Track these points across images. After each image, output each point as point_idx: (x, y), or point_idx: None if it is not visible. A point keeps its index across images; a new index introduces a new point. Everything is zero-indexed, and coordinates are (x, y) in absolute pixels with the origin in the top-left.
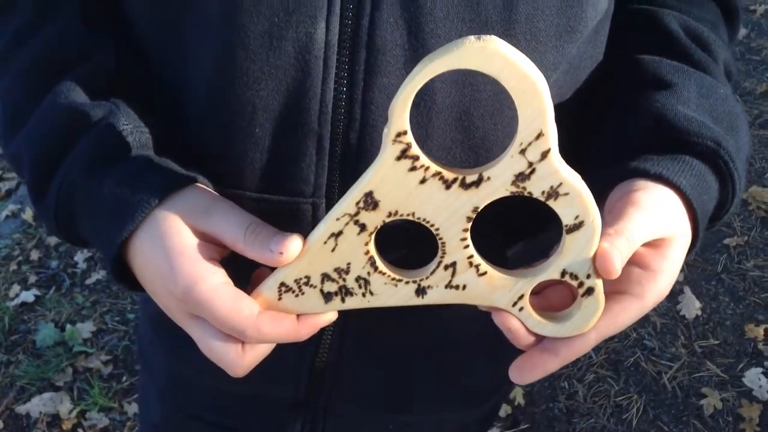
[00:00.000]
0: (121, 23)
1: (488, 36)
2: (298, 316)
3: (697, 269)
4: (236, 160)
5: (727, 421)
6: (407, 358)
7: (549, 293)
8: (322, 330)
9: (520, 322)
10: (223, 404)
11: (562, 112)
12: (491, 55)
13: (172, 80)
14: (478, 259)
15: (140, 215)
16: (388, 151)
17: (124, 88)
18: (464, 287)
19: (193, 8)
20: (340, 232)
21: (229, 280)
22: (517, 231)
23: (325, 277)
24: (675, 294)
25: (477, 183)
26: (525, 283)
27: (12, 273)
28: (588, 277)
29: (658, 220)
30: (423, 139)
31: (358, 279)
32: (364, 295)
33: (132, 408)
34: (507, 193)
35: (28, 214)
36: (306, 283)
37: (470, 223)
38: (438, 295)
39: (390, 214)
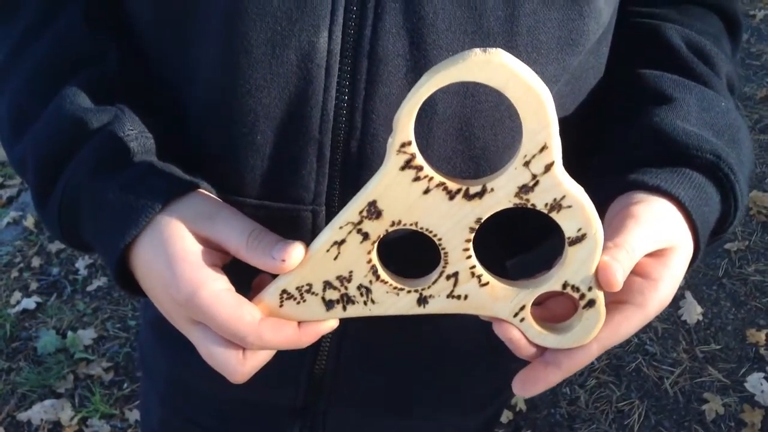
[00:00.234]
0: (124, 27)
1: (494, 49)
2: (299, 323)
3: (698, 274)
4: (237, 167)
5: (729, 426)
6: (406, 364)
7: (551, 304)
8: (322, 336)
9: (521, 333)
10: (222, 409)
11: (563, 123)
12: (497, 67)
13: (174, 86)
14: (480, 269)
15: (143, 220)
16: (392, 161)
17: (128, 92)
18: (466, 297)
19: (195, 15)
20: (342, 241)
21: (231, 287)
22: (517, 241)
23: (327, 284)
24: (676, 299)
25: (480, 194)
26: (526, 295)
27: (13, 280)
28: (589, 289)
29: (658, 231)
30: (424, 148)
31: (359, 287)
32: (365, 303)
33: (133, 415)
34: (510, 205)
35: (29, 221)
36: (308, 291)
37: (473, 234)
38: (439, 305)
39: (393, 224)
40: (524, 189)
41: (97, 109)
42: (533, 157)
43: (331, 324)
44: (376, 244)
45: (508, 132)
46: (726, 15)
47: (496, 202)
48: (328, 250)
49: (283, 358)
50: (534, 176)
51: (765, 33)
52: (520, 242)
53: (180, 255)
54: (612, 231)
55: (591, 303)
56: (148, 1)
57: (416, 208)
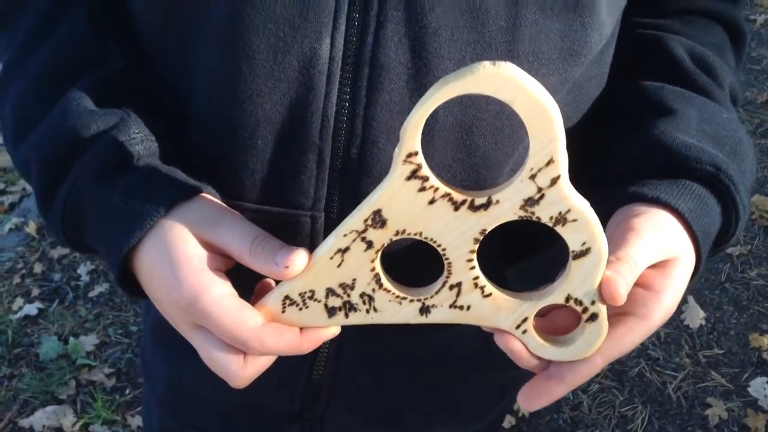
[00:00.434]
0: (128, 31)
1: (502, 62)
2: (301, 329)
3: (700, 279)
4: (237, 171)
5: (733, 431)
6: (404, 373)
7: (554, 315)
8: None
9: (522, 345)
10: (222, 413)
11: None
12: (505, 81)
13: (176, 89)
14: (483, 280)
15: (147, 224)
16: (398, 170)
17: (132, 95)
18: (468, 308)
19: (198, 20)
20: (346, 248)
21: (234, 292)
22: (516, 250)
23: (330, 292)
24: (679, 304)
25: (486, 206)
26: (529, 307)
27: (15, 286)
28: (592, 303)
29: (659, 243)
30: (424, 156)
31: (362, 295)
32: (368, 311)
33: (135, 421)
34: (515, 217)
35: (31, 228)
36: (310, 297)
37: (477, 245)
38: (442, 315)
39: (397, 233)
40: (530, 202)
41: (102, 111)
42: (539, 170)
43: (333, 331)
44: (379, 253)
45: (508, 141)
46: (730, 26)
47: (501, 214)
48: (331, 258)
49: (282, 363)
50: (540, 189)
51: (765, 37)
52: (519, 251)
53: (183, 259)
54: (614, 244)
55: (594, 317)
56: (150, 6)
57: (421, 218)
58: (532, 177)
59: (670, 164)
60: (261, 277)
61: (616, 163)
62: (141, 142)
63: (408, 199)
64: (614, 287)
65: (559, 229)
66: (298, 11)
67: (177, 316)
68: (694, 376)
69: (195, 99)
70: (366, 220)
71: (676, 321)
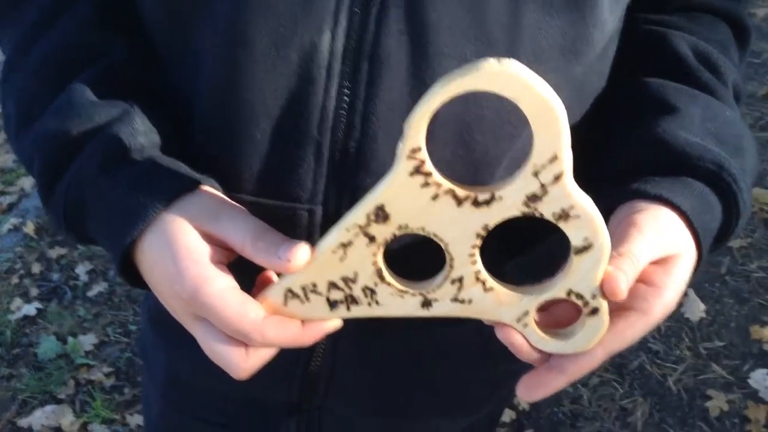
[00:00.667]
0: (132, 22)
1: (507, 59)
2: (302, 321)
3: (701, 271)
4: (235, 163)
5: (734, 422)
6: (401, 364)
7: (554, 309)
8: None
9: (524, 338)
10: (220, 404)
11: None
12: (510, 78)
13: (178, 81)
14: (485, 274)
15: (149, 216)
16: (402, 166)
17: (136, 87)
18: (470, 301)
19: (201, 11)
20: (349, 243)
21: (236, 284)
22: (514, 244)
23: (332, 285)
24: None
25: (489, 202)
26: (530, 300)
27: (14, 286)
28: (593, 297)
29: (661, 240)
30: None
31: (364, 289)
32: (369, 304)
33: (134, 420)
34: (518, 213)
35: (29, 228)
36: (312, 291)
37: (480, 241)
38: (444, 308)
39: (400, 228)
40: (533, 198)
41: (105, 103)
42: (543, 167)
43: (335, 324)
44: (382, 247)
45: (509, 137)
46: (735, 22)
47: (504, 210)
48: (334, 252)
49: (280, 355)
50: (543, 186)
51: (766, 31)
52: (518, 246)
53: (185, 251)
54: (616, 239)
55: (595, 311)
56: (158, 6)
57: (424, 213)
58: (536, 174)
59: (673, 162)
60: (262, 269)
61: (619, 160)
62: (144, 134)
63: (411, 194)
64: (615, 283)
65: (561, 224)
66: (300, 5)
67: (179, 308)
68: (695, 368)
69: (196, 91)
70: (369, 215)
71: (676, 314)
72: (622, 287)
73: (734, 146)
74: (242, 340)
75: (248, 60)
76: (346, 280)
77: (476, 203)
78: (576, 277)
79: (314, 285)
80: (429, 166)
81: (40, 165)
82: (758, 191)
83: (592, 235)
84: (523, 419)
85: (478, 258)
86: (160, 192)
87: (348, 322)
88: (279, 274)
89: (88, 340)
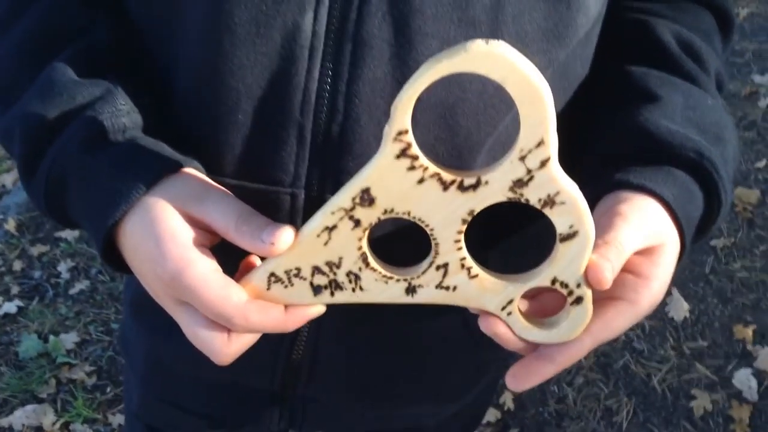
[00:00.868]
0: (114, 2)
1: (495, 41)
2: (286, 306)
3: (684, 271)
4: (217, 146)
5: (717, 422)
6: (383, 352)
7: (542, 297)
8: None
9: (507, 327)
10: (202, 392)
11: None
12: (497, 60)
13: (159, 61)
14: (470, 261)
15: (132, 198)
16: (388, 148)
17: (118, 66)
18: (455, 288)
19: None
20: (334, 226)
21: (219, 268)
22: (497, 232)
23: (316, 269)
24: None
25: (475, 186)
26: (515, 288)
27: None
28: (578, 286)
29: (646, 229)
30: None
31: (348, 274)
32: (353, 290)
33: (116, 419)
34: (504, 199)
35: (10, 225)
36: (296, 275)
37: (465, 226)
38: (428, 295)
39: (385, 212)
40: (519, 183)
41: (88, 82)
42: (529, 151)
43: (318, 309)
44: (367, 232)
45: (491, 121)
46: (718, 12)
47: (490, 195)
48: (318, 235)
49: (260, 343)
50: (529, 171)
51: (748, 30)
52: (501, 232)
53: (168, 234)
54: (601, 229)
55: (579, 300)
56: None
57: (410, 197)
58: (522, 158)
59: (654, 150)
60: (245, 253)
61: (601, 148)
62: (127, 114)
63: (397, 177)
64: (600, 271)
65: (546, 211)
66: None
67: (161, 291)
68: (679, 368)
69: (178, 73)
70: (354, 198)
71: (660, 313)
72: (607, 276)
73: (715, 134)
74: (224, 325)
75: (230, 40)
76: (330, 264)
77: (462, 187)
78: (561, 265)
79: (298, 269)
80: (415, 149)
81: (21, 145)
82: (741, 191)
83: (578, 222)
84: (509, 419)
85: (463, 244)
86: (143, 173)
87: (331, 309)
88: (263, 259)
89: (69, 339)
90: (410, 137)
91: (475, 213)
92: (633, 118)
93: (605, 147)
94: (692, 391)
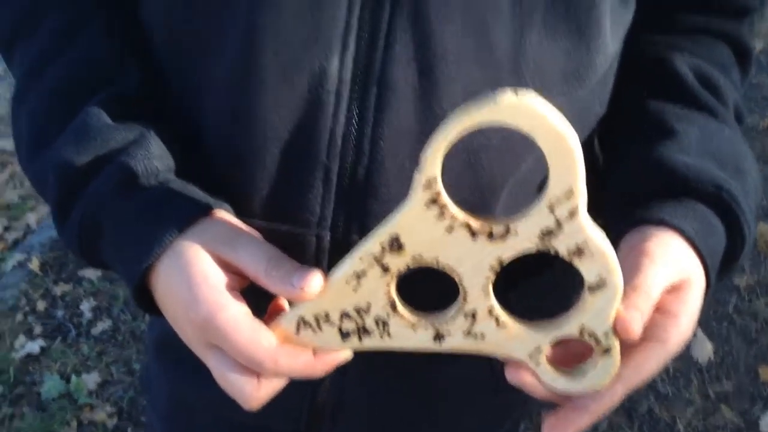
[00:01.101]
0: (144, 48)
1: (524, 91)
2: (314, 351)
3: (708, 310)
4: (244, 188)
5: None
6: (407, 397)
7: (570, 343)
8: None
9: (534, 377)
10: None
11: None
12: (527, 112)
13: (190, 106)
14: (498, 310)
15: (165, 242)
16: (418, 196)
17: (149, 111)
18: (482, 336)
19: (212, 41)
20: (363, 272)
21: (249, 311)
22: (518, 273)
23: (344, 315)
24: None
25: (503, 236)
26: (543, 337)
27: (18, 324)
28: (606, 336)
29: (672, 266)
30: None
31: (377, 320)
32: (381, 336)
33: None
34: (533, 248)
35: (34, 264)
36: (325, 320)
37: (493, 275)
38: (455, 342)
39: (414, 259)
40: (547, 233)
41: (122, 126)
42: (558, 202)
43: (347, 354)
44: (395, 278)
45: (514, 162)
46: (736, 45)
47: (519, 244)
48: (347, 281)
49: (288, 384)
50: (558, 221)
51: (765, 64)
52: (522, 272)
53: (200, 277)
54: (627, 271)
55: (607, 350)
56: (164, 22)
57: (438, 245)
58: (551, 208)
59: (672, 186)
60: (274, 296)
61: (619, 185)
62: (159, 158)
63: (426, 225)
64: (629, 324)
65: (575, 261)
66: (309, 31)
67: (192, 334)
68: (704, 411)
69: (206, 117)
70: (383, 245)
71: (684, 354)
72: (636, 328)
73: (734, 166)
74: (254, 369)
75: (258, 85)
76: (358, 310)
77: (491, 236)
78: (589, 315)
79: (327, 314)
80: (445, 198)
81: (55, 189)
82: (764, 227)
83: (606, 272)
84: None
85: (491, 292)
86: (176, 217)
87: (356, 354)
88: (291, 303)
89: (91, 379)
90: (440, 186)
91: (504, 262)
92: (649, 154)
93: (623, 184)
94: None
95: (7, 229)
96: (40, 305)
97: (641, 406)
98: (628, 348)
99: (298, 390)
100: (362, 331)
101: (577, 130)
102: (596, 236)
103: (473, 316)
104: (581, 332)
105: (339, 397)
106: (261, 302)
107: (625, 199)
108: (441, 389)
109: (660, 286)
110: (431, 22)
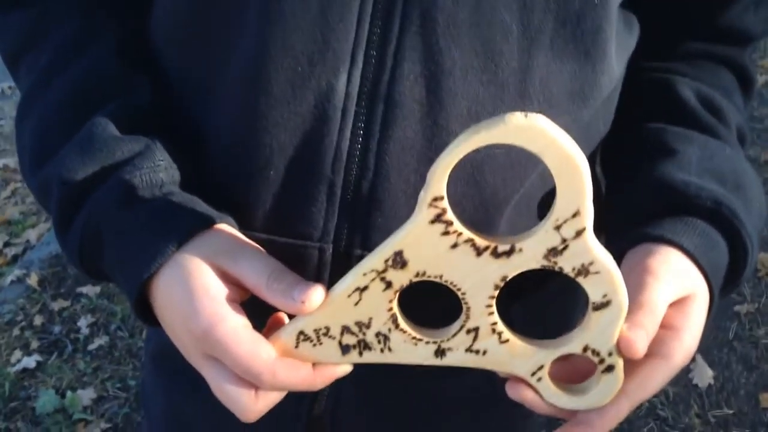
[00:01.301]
0: (151, 60)
1: (533, 113)
2: (313, 364)
3: (708, 337)
4: (248, 201)
5: None
6: (404, 410)
7: (572, 360)
8: None
9: (535, 393)
10: None
11: None
12: (536, 133)
13: (196, 119)
14: (501, 326)
15: (167, 253)
16: (423, 213)
17: (157, 124)
18: (485, 353)
19: (218, 53)
20: (365, 287)
21: (249, 324)
22: (520, 287)
23: (345, 329)
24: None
25: (508, 253)
26: (546, 355)
27: (14, 338)
28: (609, 354)
29: (676, 282)
30: None
31: (378, 334)
32: (382, 351)
33: None
34: (537, 266)
35: (33, 279)
36: (325, 334)
37: (497, 291)
38: (457, 358)
39: (417, 274)
40: (553, 252)
41: (128, 138)
42: (565, 221)
43: (345, 369)
44: (398, 294)
45: (518, 177)
46: (738, 70)
47: (524, 262)
48: (349, 296)
49: (285, 396)
50: (564, 240)
51: (767, 97)
52: (524, 286)
53: (201, 289)
54: (632, 289)
55: (610, 368)
56: (173, 36)
57: (442, 261)
58: (557, 228)
59: (673, 203)
60: (274, 309)
61: (620, 205)
62: (164, 170)
63: (431, 242)
64: (633, 343)
65: (580, 280)
66: (318, 47)
67: (191, 345)
68: None
69: (212, 130)
70: (387, 260)
71: (684, 380)
72: (641, 347)
73: (734, 182)
74: (253, 381)
75: (266, 100)
76: (359, 324)
77: (496, 254)
78: (593, 333)
79: (327, 328)
80: (450, 215)
81: (58, 198)
82: (764, 256)
83: (611, 291)
84: None
85: (494, 309)
86: (178, 229)
87: (355, 367)
88: (291, 316)
89: (86, 395)
90: (445, 203)
91: (508, 279)
92: (649, 174)
93: (624, 203)
94: None
95: (6, 244)
96: (38, 320)
97: (641, 429)
98: (632, 363)
99: (295, 402)
100: (363, 345)
101: (581, 149)
102: (602, 256)
103: (476, 332)
104: (585, 350)
105: (336, 411)
106: (261, 315)
107: (626, 218)
108: (441, 404)
109: (664, 303)
110: (440, 39)
